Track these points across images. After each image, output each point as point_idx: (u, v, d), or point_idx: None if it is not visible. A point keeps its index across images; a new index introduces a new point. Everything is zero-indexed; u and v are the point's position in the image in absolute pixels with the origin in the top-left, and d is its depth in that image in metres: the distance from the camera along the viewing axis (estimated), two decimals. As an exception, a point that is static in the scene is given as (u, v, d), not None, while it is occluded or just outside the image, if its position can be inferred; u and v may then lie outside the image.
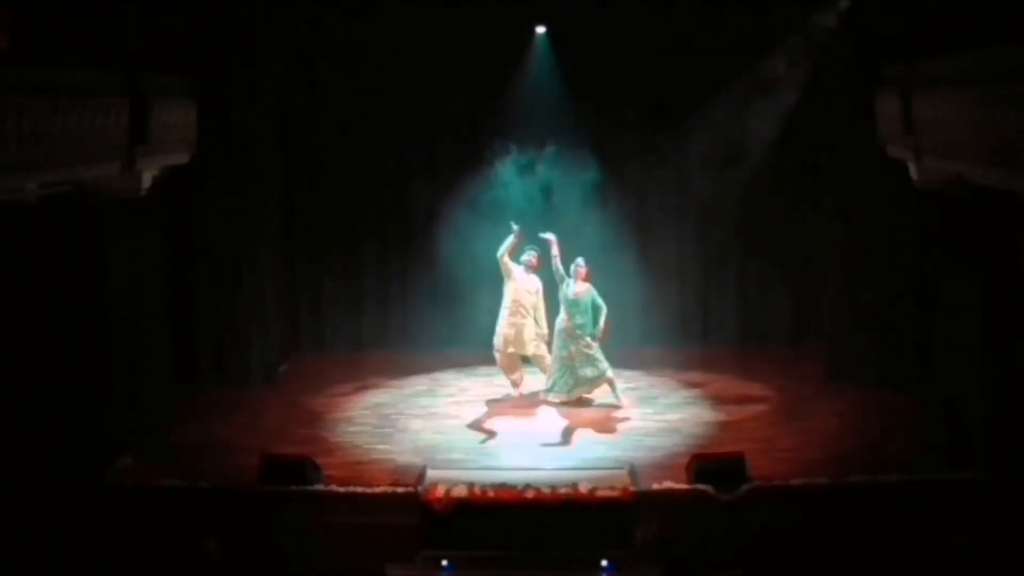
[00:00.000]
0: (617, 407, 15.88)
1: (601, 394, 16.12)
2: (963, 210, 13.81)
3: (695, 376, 17.59)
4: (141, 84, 13.96)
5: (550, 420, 15.54)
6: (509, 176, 18.38)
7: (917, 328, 16.32)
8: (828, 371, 17.29)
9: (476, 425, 15.44)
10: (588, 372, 15.85)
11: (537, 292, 16.13)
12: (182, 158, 15.46)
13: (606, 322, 15.84)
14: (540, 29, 18.40)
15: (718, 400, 16.47)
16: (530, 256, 16.12)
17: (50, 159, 11.64)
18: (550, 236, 15.99)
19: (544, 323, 16.17)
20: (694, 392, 16.87)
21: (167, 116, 14.67)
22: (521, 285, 16.04)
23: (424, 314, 19.08)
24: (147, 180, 14.41)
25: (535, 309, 16.13)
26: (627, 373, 17.49)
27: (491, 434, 15.07)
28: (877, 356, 16.83)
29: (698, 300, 19.33)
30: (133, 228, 14.91)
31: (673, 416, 15.76)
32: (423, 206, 18.93)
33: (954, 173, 13.14)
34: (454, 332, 18.56)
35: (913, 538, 11.64)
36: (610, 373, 15.96)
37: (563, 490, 12.42)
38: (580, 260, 15.93)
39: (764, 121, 18.19)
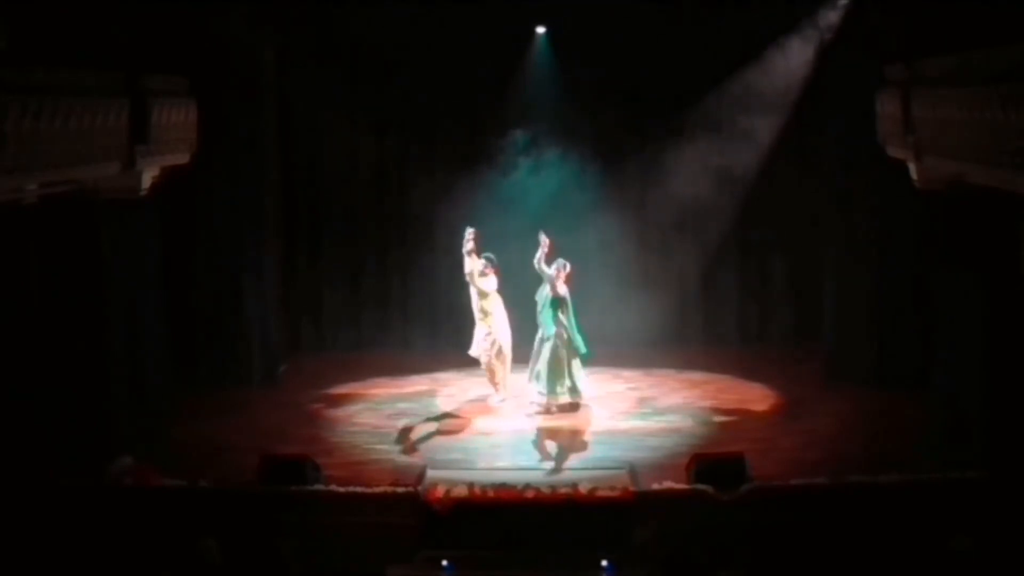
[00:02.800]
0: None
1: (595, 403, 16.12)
2: (963, 210, 13.81)
3: (695, 376, 17.59)
4: (141, 84, 13.96)
5: (548, 420, 15.57)
6: (512, 175, 18.45)
7: (917, 328, 16.32)
8: (828, 371, 17.29)
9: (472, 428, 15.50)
10: (565, 377, 15.60)
11: (485, 298, 15.87)
12: (182, 158, 15.46)
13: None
14: (540, 29, 18.41)
15: (718, 400, 16.48)
16: (484, 265, 15.86)
17: (50, 159, 11.63)
18: (543, 238, 15.66)
19: (495, 331, 15.92)
20: (694, 392, 16.87)
21: (167, 116, 14.67)
22: (472, 288, 15.96)
23: (424, 314, 19.08)
24: (147, 180, 14.41)
25: (485, 314, 15.91)
26: (627, 373, 17.54)
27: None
28: (877, 356, 16.83)
29: (698, 300, 19.33)
30: (133, 228, 14.91)
31: (673, 416, 15.76)
32: (423, 206, 18.95)
33: (954, 173, 13.14)
34: (454, 332, 18.56)
35: (913, 538, 11.63)
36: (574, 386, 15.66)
37: (563, 490, 12.42)
38: (563, 262, 15.66)
39: (764, 120, 18.20)
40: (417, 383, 17.41)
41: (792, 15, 17.40)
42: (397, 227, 19.24)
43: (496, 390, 16.25)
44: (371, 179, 19.19)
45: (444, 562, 11.45)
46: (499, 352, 16.02)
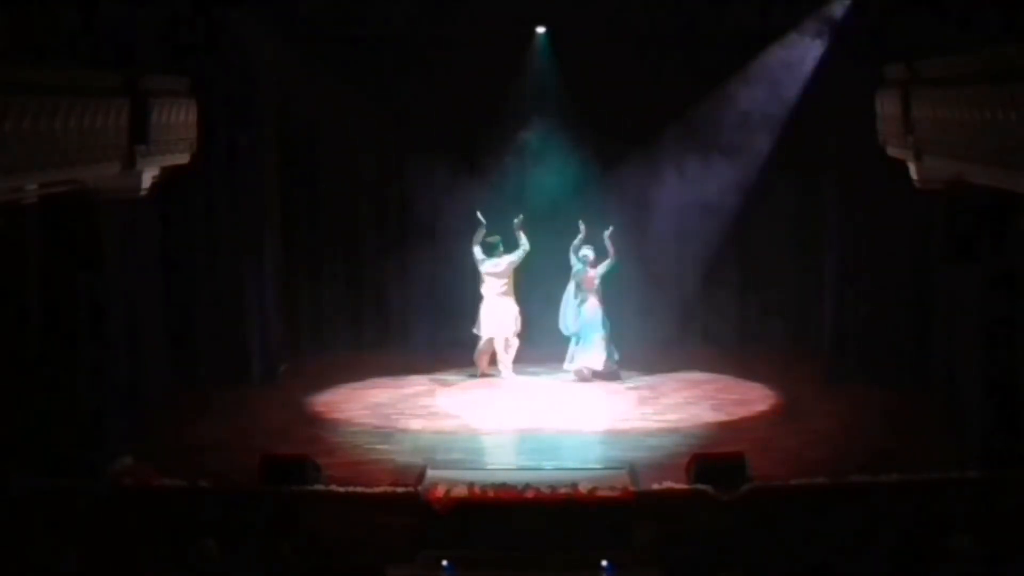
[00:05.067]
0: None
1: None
2: (963, 210, 13.81)
3: (695, 376, 17.59)
4: (141, 84, 13.96)
5: (550, 419, 15.59)
6: (512, 176, 18.46)
7: (917, 328, 16.32)
8: (828, 371, 17.29)
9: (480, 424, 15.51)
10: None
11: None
12: (182, 158, 15.46)
13: None
14: (540, 29, 18.40)
15: (718, 400, 16.48)
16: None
17: (50, 159, 11.63)
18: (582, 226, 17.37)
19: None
20: (694, 392, 16.87)
21: (167, 116, 14.66)
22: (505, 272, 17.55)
23: (424, 314, 19.08)
24: (147, 180, 14.41)
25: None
26: (627, 373, 17.52)
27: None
28: (877, 356, 16.82)
29: (698, 300, 19.32)
30: (133, 228, 14.90)
31: (673, 416, 15.76)
32: (423, 205, 18.95)
33: (954, 173, 13.14)
34: (454, 332, 18.58)
35: (913, 538, 11.63)
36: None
37: (563, 490, 12.40)
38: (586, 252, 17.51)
39: (765, 120, 18.20)
40: (417, 383, 17.42)
41: (795, 15, 17.37)
42: (397, 227, 19.24)
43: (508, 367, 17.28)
44: (371, 179, 19.19)
45: (444, 562, 11.46)
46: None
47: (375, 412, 16.11)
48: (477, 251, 17.32)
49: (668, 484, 12.52)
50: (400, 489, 12.50)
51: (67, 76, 12.25)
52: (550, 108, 18.54)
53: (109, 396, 14.26)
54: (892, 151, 15.19)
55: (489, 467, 13.65)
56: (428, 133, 18.71)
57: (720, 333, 19.31)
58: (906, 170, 14.75)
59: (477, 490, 12.41)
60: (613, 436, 14.99)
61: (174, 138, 15.05)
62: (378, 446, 14.66)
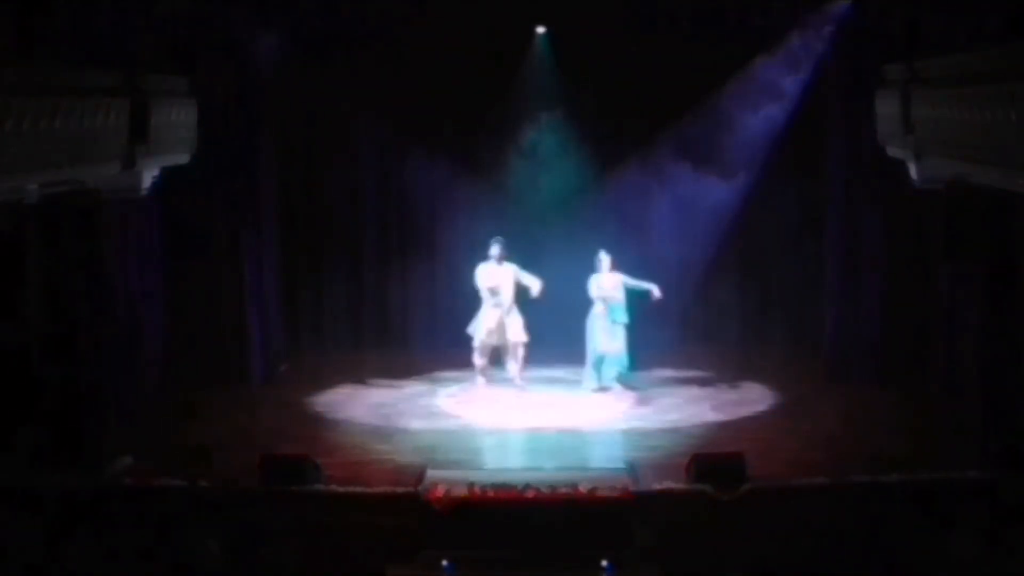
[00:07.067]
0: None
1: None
2: (963, 210, 13.82)
3: (695, 376, 17.59)
4: (141, 84, 13.97)
5: (550, 419, 15.60)
6: (512, 175, 18.45)
7: (917, 327, 16.33)
8: (828, 371, 17.29)
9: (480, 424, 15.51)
10: None
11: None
12: (182, 158, 15.47)
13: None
14: (540, 29, 18.39)
15: (718, 400, 16.48)
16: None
17: (50, 159, 11.64)
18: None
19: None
20: (694, 392, 16.87)
21: (167, 116, 14.67)
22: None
23: (424, 314, 19.07)
24: (147, 180, 14.42)
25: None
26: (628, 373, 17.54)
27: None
28: (877, 356, 16.83)
29: (698, 300, 19.31)
30: (133, 228, 14.91)
31: (673, 416, 15.76)
32: (423, 205, 18.95)
33: (954, 173, 13.15)
34: (454, 332, 18.55)
35: (913, 538, 11.64)
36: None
37: (563, 490, 12.41)
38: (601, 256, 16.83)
39: (764, 120, 18.20)
40: (417, 383, 17.41)
41: (796, 15, 17.36)
42: (397, 227, 19.24)
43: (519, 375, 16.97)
44: (371, 178, 19.18)
45: (444, 562, 11.48)
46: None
47: (375, 412, 16.11)
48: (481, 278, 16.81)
49: (668, 484, 12.53)
50: (400, 489, 12.51)
51: (67, 76, 12.26)
52: (550, 108, 18.51)
53: (109, 396, 14.27)
54: (892, 151, 15.19)
55: (489, 467, 13.65)
56: (428, 133, 18.70)
57: (720, 333, 19.30)
58: (906, 170, 14.76)
59: (477, 490, 12.42)
60: (613, 436, 14.99)
61: (174, 138, 15.06)
62: (378, 446, 14.66)
